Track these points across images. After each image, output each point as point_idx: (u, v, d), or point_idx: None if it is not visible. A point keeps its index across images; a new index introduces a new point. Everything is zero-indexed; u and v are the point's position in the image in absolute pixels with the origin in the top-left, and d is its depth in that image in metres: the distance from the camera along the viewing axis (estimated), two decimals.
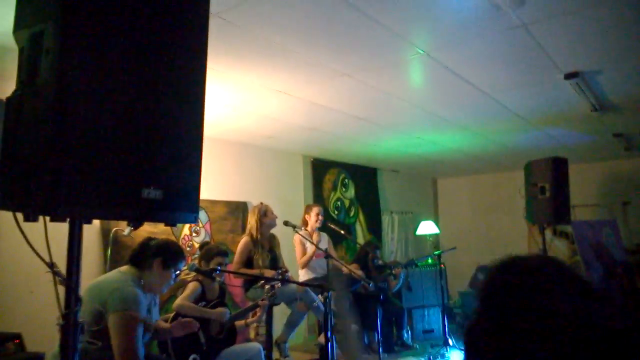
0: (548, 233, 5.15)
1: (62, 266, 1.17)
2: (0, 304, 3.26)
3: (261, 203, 4.11)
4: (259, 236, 3.93)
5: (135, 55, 1.07)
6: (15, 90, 0.98)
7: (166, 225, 1.18)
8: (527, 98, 3.94)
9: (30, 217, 0.98)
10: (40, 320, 2.93)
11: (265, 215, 3.99)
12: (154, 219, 1.10)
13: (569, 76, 3.37)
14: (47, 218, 1.06)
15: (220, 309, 3.01)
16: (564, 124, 4.80)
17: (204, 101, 1.24)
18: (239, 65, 3.03)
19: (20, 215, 1.06)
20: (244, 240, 3.97)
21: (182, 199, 1.15)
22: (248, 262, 3.88)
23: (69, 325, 1.09)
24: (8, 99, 0.98)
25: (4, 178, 0.97)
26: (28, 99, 0.94)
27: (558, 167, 4.25)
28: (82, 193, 0.94)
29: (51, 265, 1.10)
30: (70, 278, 1.09)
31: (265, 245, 3.99)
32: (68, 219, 1.02)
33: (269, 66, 3.07)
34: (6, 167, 0.96)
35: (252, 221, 4.00)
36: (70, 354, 1.10)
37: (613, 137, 5.41)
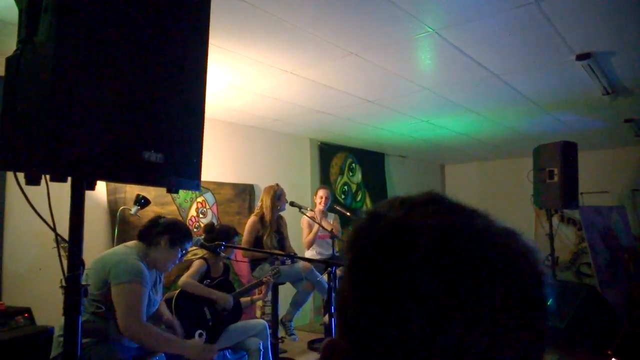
0: (555, 219, 5.11)
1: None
2: (11, 280, 3.32)
3: (277, 184, 4.09)
4: (269, 217, 3.94)
5: (136, 17, 1.06)
6: (15, 50, 0.98)
7: (168, 191, 1.18)
8: (538, 80, 3.88)
9: (32, 178, 0.98)
10: (48, 296, 2.98)
11: (279, 199, 4.00)
12: (155, 183, 1.10)
13: (581, 57, 3.30)
14: (50, 183, 1.07)
15: (224, 294, 3.02)
16: (575, 109, 4.73)
17: (206, 67, 1.23)
18: (245, 43, 3.01)
19: (22, 180, 1.07)
20: (252, 220, 3.98)
21: (183, 165, 1.15)
22: (256, 242, 3.90)
23: (71, 287, 1.10)
24: (8, 58, 0.98)
25: (5, 138, 0.98)
26: (27, 57, 0.94)
27: (567, 151, 4.20)
28: (82, 152, 0.94)
29: (54, 228, 1.11)
30: (73, 241, 1.10)
31: (273, 226, 4.00)
32: (70, 180, 1.03)
33: (276, 44, 3.04)
34: (7, 127, 0.96)
35: (266, 201, 3.99)
36: (74, 316, 1.11)
37: (624, 123, 5.32)
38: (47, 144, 0.89)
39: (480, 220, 0.42)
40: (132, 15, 1.10)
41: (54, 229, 1.10)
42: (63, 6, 0.91)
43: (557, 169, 4.12)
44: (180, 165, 1.14)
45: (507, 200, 7.51)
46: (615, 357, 3.01)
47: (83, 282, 1.14)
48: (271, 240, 3.90)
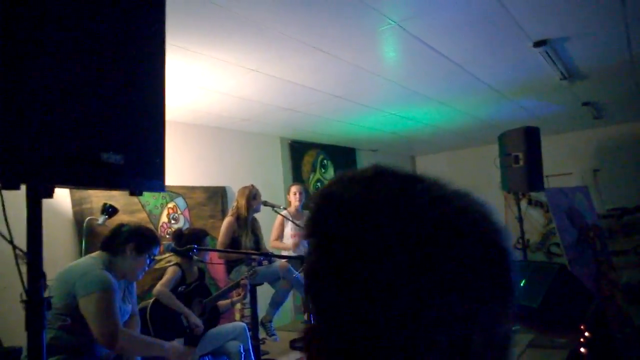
0: (523, 203, 5.25)
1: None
2: None
3: (252, 185, 4.05)
4: (245, 217, 3.91)
5: (90, 15, 1.02)
6: None
7: (131, 193, 1.14)
8: (499, 69, 3.97)
9: None
10: (15, 316, 2.86)
11: (254, 198, 3.96)
12: (116, 186, 1.06)
13: (538, 44, 3.40)
14: (5, 193, 1.02)
15: (196, 321, 2.93)
16: (535, 94, 4.87)
17: (164, 65, 1.20)
18: (209, 42, 2.96)
19: None
20: (228, 220, 3.94)
21: (145, 165, 1.11)
22: (232, 243, 3.85)
23: (33, 300, 1.05)
24: None
25: None
26: None
27: (530, 136, 4.31)
28: (34, 156, 0.89)
29: (11, 241, 1.06)
30: (32, 252, 1.05)
31: (249, 227, 3.97)
32: (24, 188, 0.98)
33: (239, 42, 3.00)
34: None
35: (241, 201, 3.96)
36: (37, 331, 1.06)
37: (582, 106, 5.51)
38: None
39: (435, 186, 0.42)
40: (85, 13, 1.05)
41: (10, 242, 1.05)
42: (9, 5, 0.86)
43: (521, 153, 4.22)
44: (142, 166, 1.10)
45: (477, 187, 7.51)
46: (588, 331, 3.11)
47: (46, 295, 1.09)
48: (248, 241, 3.87)
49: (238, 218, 3.90)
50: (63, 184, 1.00)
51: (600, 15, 3.02)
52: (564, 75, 4.12)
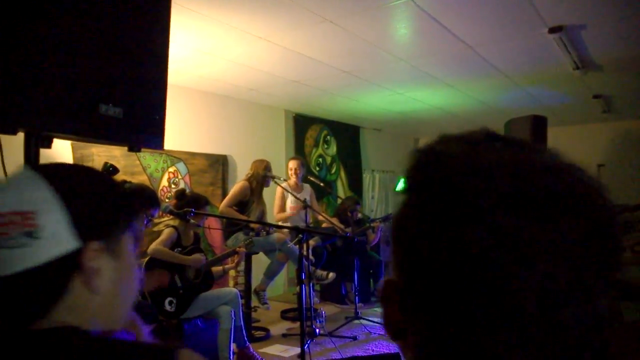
0: None
1: None
2: None
3: (267, 160, 4.12)
4: (257, 187, 3.96)
5: None
6: None
7: (129, 149, 1.14)
8: (511, 53, 3.90)
9: None
10: None
11: (269, 171, 4.02)
12: (114, 138, 1.06)
13: (553, 30, 3.33)
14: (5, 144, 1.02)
15: (196, 255, 3.01)
16: (546, 83, 4.80)
17: (169, 19, 1.17)
18: (220, 5, 2.91)
19: None
20: (242, 184, 3.97)
21: (145, 121, 1.10)
22: (240, 206, 3.89)
23: None
24: None
25: None
26: None
27: (537, 126, 4.28)
28: (33, 103, 0.89)
29: None
30: None
31: (259, 197, 4.02)
32: (22, 134, 0.97)
33: (248, 7, 2.95)
34: None
35: (259, 170, 4.00)
36: None
37: (592, 99, 5.44)
38: None
39: (548, 154, 0.41)
40: None
41: None
42: None
43: None
44: (141, 121, 1.09)
45: None
46: None
47: None
48: (257, 210, 3.92)
49: (251, 185, 3.95)
50: (59, 132, 1.00)
51: (620, 4, 2.95)
52: (577, 65, 4.06)
